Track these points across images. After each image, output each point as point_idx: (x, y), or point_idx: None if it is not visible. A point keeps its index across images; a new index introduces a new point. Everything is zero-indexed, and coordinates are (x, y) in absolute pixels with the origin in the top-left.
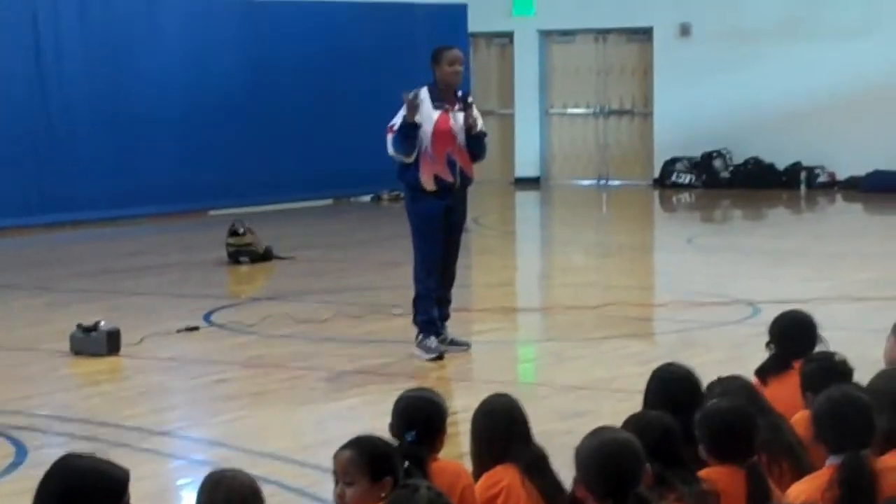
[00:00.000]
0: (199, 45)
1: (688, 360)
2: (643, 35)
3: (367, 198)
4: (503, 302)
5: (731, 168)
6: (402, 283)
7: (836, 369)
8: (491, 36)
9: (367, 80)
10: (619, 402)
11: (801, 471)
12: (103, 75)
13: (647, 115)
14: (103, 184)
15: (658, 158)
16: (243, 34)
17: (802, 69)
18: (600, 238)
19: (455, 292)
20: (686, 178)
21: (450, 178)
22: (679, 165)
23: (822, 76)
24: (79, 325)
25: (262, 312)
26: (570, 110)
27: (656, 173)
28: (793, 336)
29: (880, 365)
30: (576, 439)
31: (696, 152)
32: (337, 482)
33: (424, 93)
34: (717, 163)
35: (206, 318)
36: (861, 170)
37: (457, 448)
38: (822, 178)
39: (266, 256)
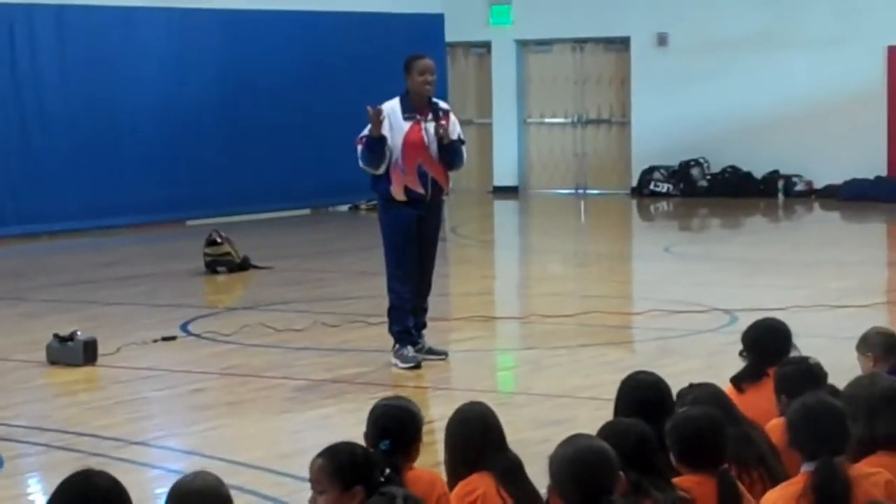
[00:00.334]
0: (177, 57)
1: (665, 368)
2: (620, 45)
3: (344, 208)
4: (481, 311)
5: (708, 177)
6: (379, 293)
7: (811, 373)
8: (468, 45)
9: (345, 90)
10: (597, 411)
11: (773, 480)
12: (80, 86)
13: (625, 125)
14: (80, 194)
15: (636, 167)
16: (220, 45)
17: (779, 78)
18: (578, 247)
19: (433, 301)
20: (664, 187)
21: (420, 190)
22: (657, 174)
23: (799, 85)
24: (55, 335)
25: (239, 322)
26: (548, 120)
27: (634, 182)
28: (767, 344)
29: (855, 372)
30: (552, 447)
31: (674, 161)
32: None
33: (394, 103)
34: (695, 171)
35: (184, 327)
36: (838, 178)
37: (434, 456)
38: (800, 187)
39: (243, 266)
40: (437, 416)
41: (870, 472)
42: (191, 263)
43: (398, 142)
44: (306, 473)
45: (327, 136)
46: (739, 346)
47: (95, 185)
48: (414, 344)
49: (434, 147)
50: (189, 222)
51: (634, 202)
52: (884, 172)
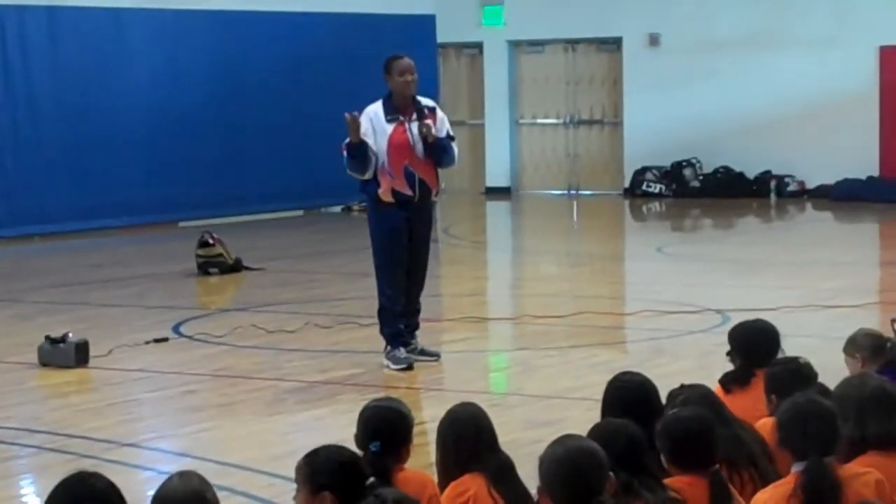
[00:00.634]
0: (169, 58)
1: (657, 369)
2: (613, 45)
3: (337, 209)
4: (473, 312)
5: (700, 177)
6: (371, 294)
7: (801, 373)
8: (460, 46)
9: (337, 91)
10: (588, 411)
11: (764, 480)
12: (72, 89)
13: (617, 125)
14: (73, 196)
15: (628, 168)
16: (212, 46)
17: (772, 78)
18: (571, 248)
19: (425, 302)
20: (656, 188)
21: (408, 192)
22: (649, 175)
23: (792, 85)
24: (47, 337)
25: (232, 323)
26: (540, 120)
27: (626, 183)
28: (755, 346)
29: (846, 372)
30: (544, 448)
31: (666, 161)
32: None
33: (377, 107)
34: (687, 172)
35: (176, 329)
36: (830, 178)
37: (427, 458)
38: (792, 187)
39: (235, 267)
40: (429, 417)
41: (860, 471)
42: (183, 265)
43: (383, 145)
44: None
45: (319, 137)
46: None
47: (87, 187)
48: (405, 345)
49: (420, 147)
50: (181, 224)
51: (627, 203)
52: (876, 173)
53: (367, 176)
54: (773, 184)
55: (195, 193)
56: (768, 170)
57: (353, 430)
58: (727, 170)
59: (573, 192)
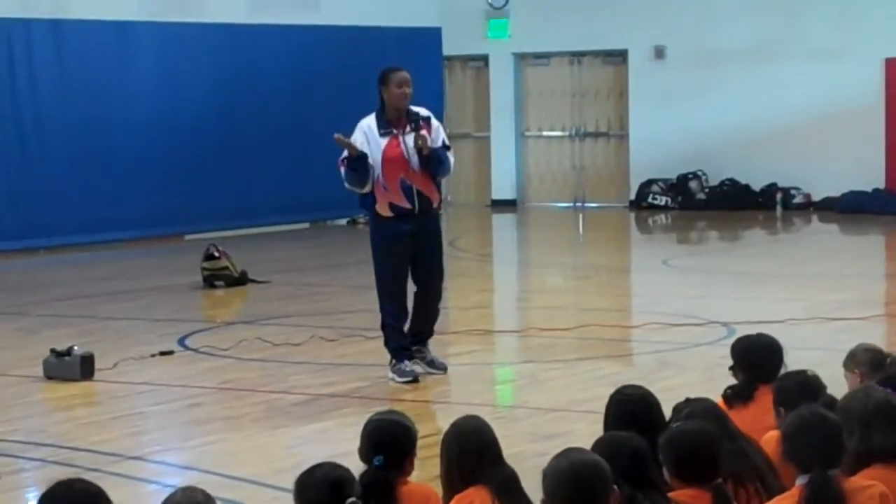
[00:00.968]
0: (174, 71)
1: (662, 382)
2: (618, 58)
3: (342, 221)
4: (479, 324)
5: (706, 189)
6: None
7: (809, 385)
8: (466, 59)
9: (342, 104)
10: (594, 424)
11: (769, 494)
12: (77, 103)
13: (623, 138)
14: (78, 209)
15: (634, 180)
16: (216, 60)
17: (777, 91)
18: (576, 260)
19: None
20: (662, 200)
21: (406, 205)
22: (655, 187)
23: (797, 97)
24: (52, 350)
25: (237, 336)
26: (546, 133)
27: (632, 195)
28: (758, 360)
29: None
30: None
31: (672, 174)
32: None
33: (370, 120)
34: (693, 184)
35: (181, 342)
36: (836, 191)
37: (432, 470)
38: (798, 199)
39: (241, 280)
40: (435, 429)
41: (864, 484)
42: (189, 278)
43: (377, 159)
44: None
45: (325, 150)
46: None
47: (94, 200)
48: (410, 358)
49: (415, 159)
50: (187, 237)
51: (633, 215)
52: (882, 185)
53: (367, 189)
54: (778, 196)
55: (201, 206)
56: (774, 182)
57: (358, 443)
58: (733, 182)
59: (579, 204)
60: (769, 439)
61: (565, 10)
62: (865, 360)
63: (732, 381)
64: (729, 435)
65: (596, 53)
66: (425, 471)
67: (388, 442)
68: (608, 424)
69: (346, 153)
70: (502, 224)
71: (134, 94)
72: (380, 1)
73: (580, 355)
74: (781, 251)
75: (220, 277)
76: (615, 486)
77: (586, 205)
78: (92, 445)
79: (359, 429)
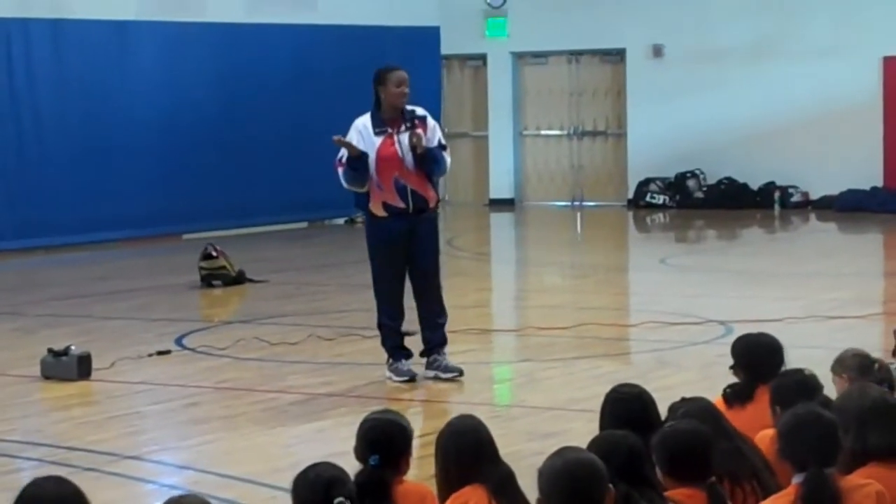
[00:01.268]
0: (172, 70)
1: (660, 380)
2: (616, 56)
3: (340, 221)
4: (477, 323)
5: (704, 188)
6: (374, 307)
7: (806, 384)
8: (464, 58)
9: (341, 103)
10: (591, 423)
11: (766, 493)
12: (76, 102)
13: (621, 136)
14: (77, 209)
15: (632, 179)
16: (216, 58)
17: (774, 89)
18: (574, 259)
19: None
20: (660, 199)
21: (400, 205)
22: (653, 186)
23: (795, 96)
24: (49, 350)
25: (235, 336)
26: (544, 132)
27: (630, 194)
28: (759, 360)
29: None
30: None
31: (670, 173)
32: None
33: (366, 119)
34: (691, 183)
35: (178, 341)
36: (834, 189)
37: (430, 469)
38: (796, 198)
39: (239, 280)
40: (432, 428)
41: (860, 483)
42: (186, 277)
43: (372, 157)
44: None
45: (323, 149)
46: None
47: (92, 199)
48: (407, 357)
49: (410, 158)
50: (185, 236)
51: (630, 214)
52: (880, 183)
53: (366, 189)
54: (776, 195)
55: (199, 206)
56: (772, 181)
57: (355, 442)
58: (731, 181)
59: (577, 203)
60: (763, 437)
61: (563, 8)
62: (853, 365)
63: (730, 379)
64: (725, 434)
65: (594, 52)
66: (422, 470)
67: (384, 441)
68: (604, 423)
69: (343, 154)
70: (500, 223)
71: (132, 94)
72: (378, 0)
73: (578, 354)
74: (779, 250)
75: (217, 277)
76: (611, 485)
77: (584, 204)
78: (89, 445)
79: (356, 428)
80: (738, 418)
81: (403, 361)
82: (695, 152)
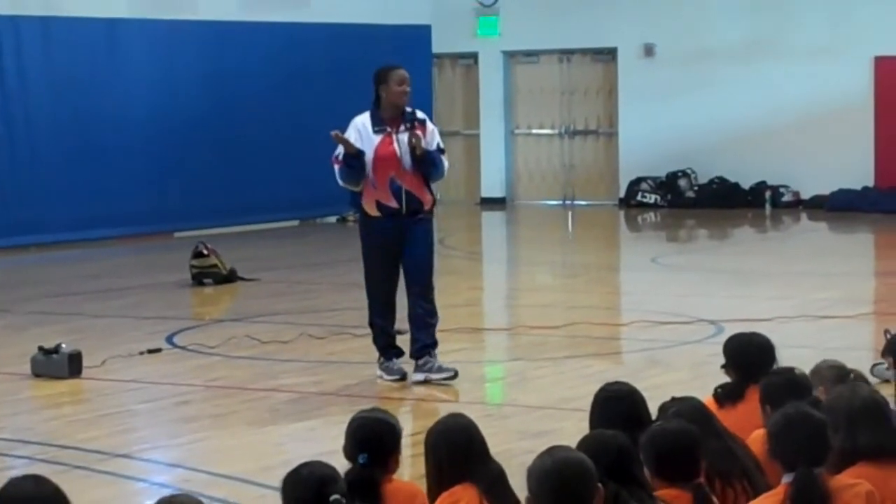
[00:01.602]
0: (163, 68)
1: (651, 379)
2: (607, 55)
3: (332, 219)
4: (468, 322)
5: (696, 187)
6: (366, 305)
7: (796, 383)
8: (455, 57)
9: (332, 101)
10: (582, 422)
11: (757, 493)
12: (67, 100)
13: (612, 136)
14: (68, 207)
15: (623, 178)
16: (207, 57)
17: (766, 89)
18: (566, 258)
19: None
20: (651, 198)
21: (393, 204)
22: (644, 185)
23: (786, 96)
24: (40, 348)
25: (226, 334)
26: (535, 131)
27: (622, 193)
28: (750, 359)
29: None
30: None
31: (662, 172)
32: None
33: (365, 118)
34: (683, 182)
35: (169, 339)
36: (826, 189)
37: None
38: (787, 198)
39: (230, 278)
40: (422, 427)
41: (850, 483)
42: (177, 275)
43: (369, 156)
44: None
45: (314, 148)
46: None
47: (83, 197)
48: (398, 356)
49: (407, 158)
50: (177, 234)
51: (622, 213)
52: (871, 183)
53: (360, 188)
54: (768, 194)
55: (190, 204)
56: (763, 180)
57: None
58: (722, 180)
59: (568, 202)
60: (756, 438)
61: (555, 7)
62: (830, 376)
63: (721, 379)
64: (715, 434)
65: (585, 51)
66: (413, 468)
67: (373, 440)
68: (594, 421)
69: (339, 151)
70: (492, 222)
71: (124, 92)
72: None
73: (569, 353)
74: (770, 249)
75: (208, 275)
76: (600, 484)
77: (575, 203)
78: (79, 443)
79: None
80: (729, 418)
81: (394, 360)
82: (686, 152)
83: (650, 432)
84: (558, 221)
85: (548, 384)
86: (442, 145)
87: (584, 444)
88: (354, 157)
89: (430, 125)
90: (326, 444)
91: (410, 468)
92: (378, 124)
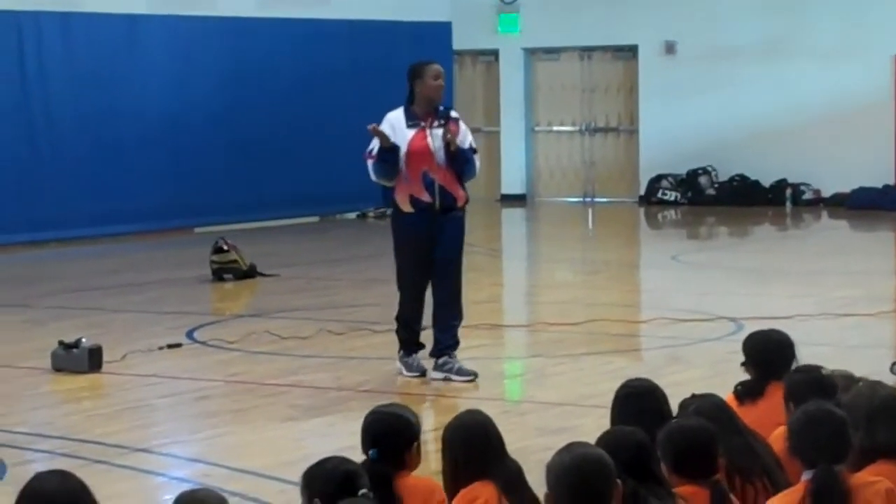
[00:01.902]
0: (183, 64)
1: (671, 377)
2: (628, 53)
3: (352, 215)
4: (489, 319)
5: (716, 185)
6: (385, 301)
7: (822, 382)
8: (476, 54)
9: (352, 98)
10: (601, 419)
11: (777, 490)
12: (87, 96)
13: (633, 133)
14: (88, 202)
15: (644, 175)
16: (227, 53)
17: (787, 87)
18: (586, 255)
19: None
20: (672, 195)
21: (427, 199)
22: (664, 182)
23: (807, 94)
24: (60, 342)
25: (245, 329)
26: (556, 128)
27: (642, 190)
28: (770, 357)
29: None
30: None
31: (682, 169)
32: None
33: (399, 113)
34: (703, 180)
35: (189, 334)
36: (846, 187)
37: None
38: (808, 196)
39: (250, 274)
40: (441, 423)
41: (870, 480)
42: (197, 271)
43: (402, 150)
44: None
45: (334, 144)
46: None
47: (103, 192)
48: (417, 350)
49: (441, 154)
50: (197, 230)
51: (642, 210)
52: (892, 181)
53: (394, 183)
54: (788, 192)
55: (210, 199)
56: (784, 178)
57: None
58: (743, 178)
59: (588, 199)
60: (778, 436)
61: (575, 5)
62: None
63: (740, 376)
64: (736, 431)
65: (606, 48)
66: (433, 464)
67: (385, 435)
68: (615, 418)
69: (373, 146)
70: (512, 219)
71: (144, 88)
72: None
73: (588, 350)
74: (791, 247)
75: (228, 270)
76: (619, 481)
77: (596, 200)
78: (99, 437)
79: None
80: (749, 415)
81: (415, 356)
82: (707, 149)
83: (668, 429)
84: (578, 218)
85: (567, 381)
86: (474, 145)
87: (602, 440)
88: (389, 152)
89: (462, 125)
90: (345, 440)
91: (431, 463)
92: (412, 119)
